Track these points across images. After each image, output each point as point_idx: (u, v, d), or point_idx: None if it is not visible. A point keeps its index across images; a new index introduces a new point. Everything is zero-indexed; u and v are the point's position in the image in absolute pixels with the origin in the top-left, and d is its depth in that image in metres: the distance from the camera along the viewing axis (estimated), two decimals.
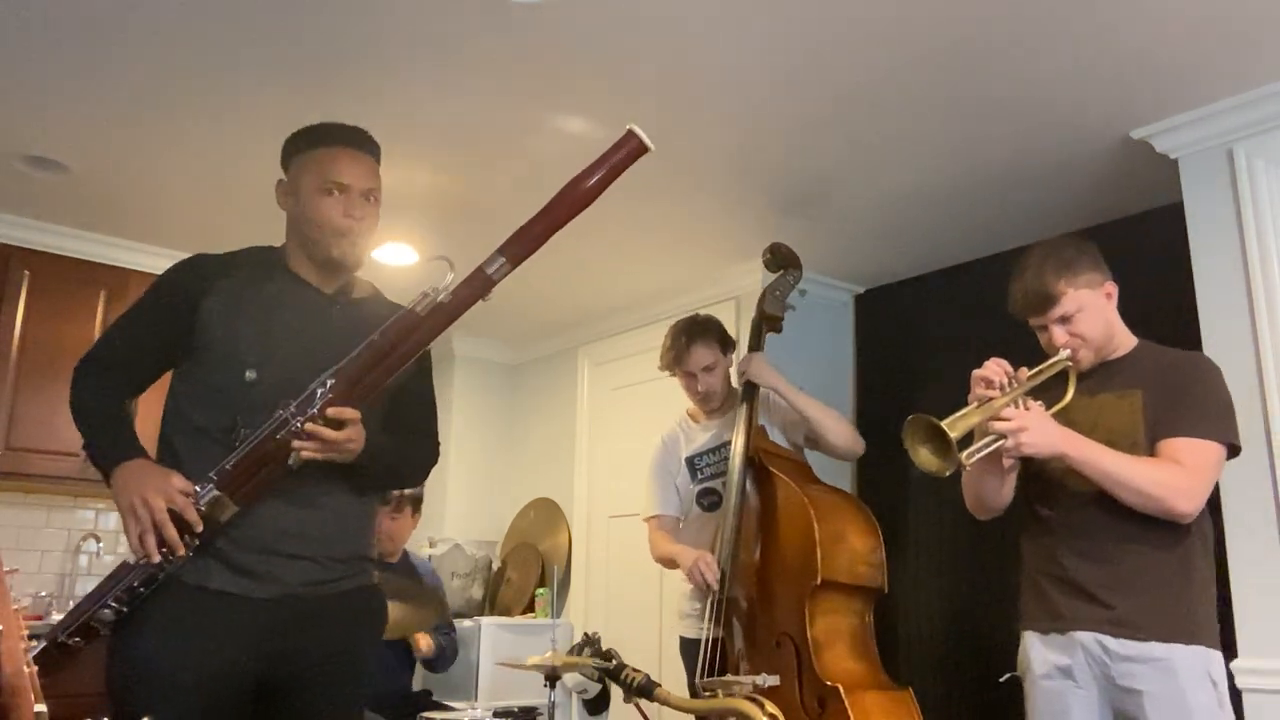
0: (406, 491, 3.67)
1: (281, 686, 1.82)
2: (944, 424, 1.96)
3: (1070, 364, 2.15)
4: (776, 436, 3.02)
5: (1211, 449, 2.03)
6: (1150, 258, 3.09)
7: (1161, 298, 2.99)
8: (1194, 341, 2.72)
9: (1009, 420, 2.02)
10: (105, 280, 3.85)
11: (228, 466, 1.73)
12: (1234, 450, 2.08)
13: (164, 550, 1.70)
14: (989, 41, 2.51)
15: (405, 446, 2.00)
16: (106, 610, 1.71)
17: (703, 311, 3.25)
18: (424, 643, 3.55)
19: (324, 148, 1.92)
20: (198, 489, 1.73)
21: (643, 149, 1.80)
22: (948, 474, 2.00)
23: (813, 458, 3.07)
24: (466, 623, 4.41)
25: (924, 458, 2.01)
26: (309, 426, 1.73)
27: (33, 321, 3.68)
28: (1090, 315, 2.14)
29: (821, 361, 4.07)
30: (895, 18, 2.42)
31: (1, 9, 2.44)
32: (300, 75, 2.73)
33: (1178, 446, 2.03)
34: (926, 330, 3.99)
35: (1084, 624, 2.05)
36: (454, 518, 5.04)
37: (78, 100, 2.87)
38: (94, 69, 2.70)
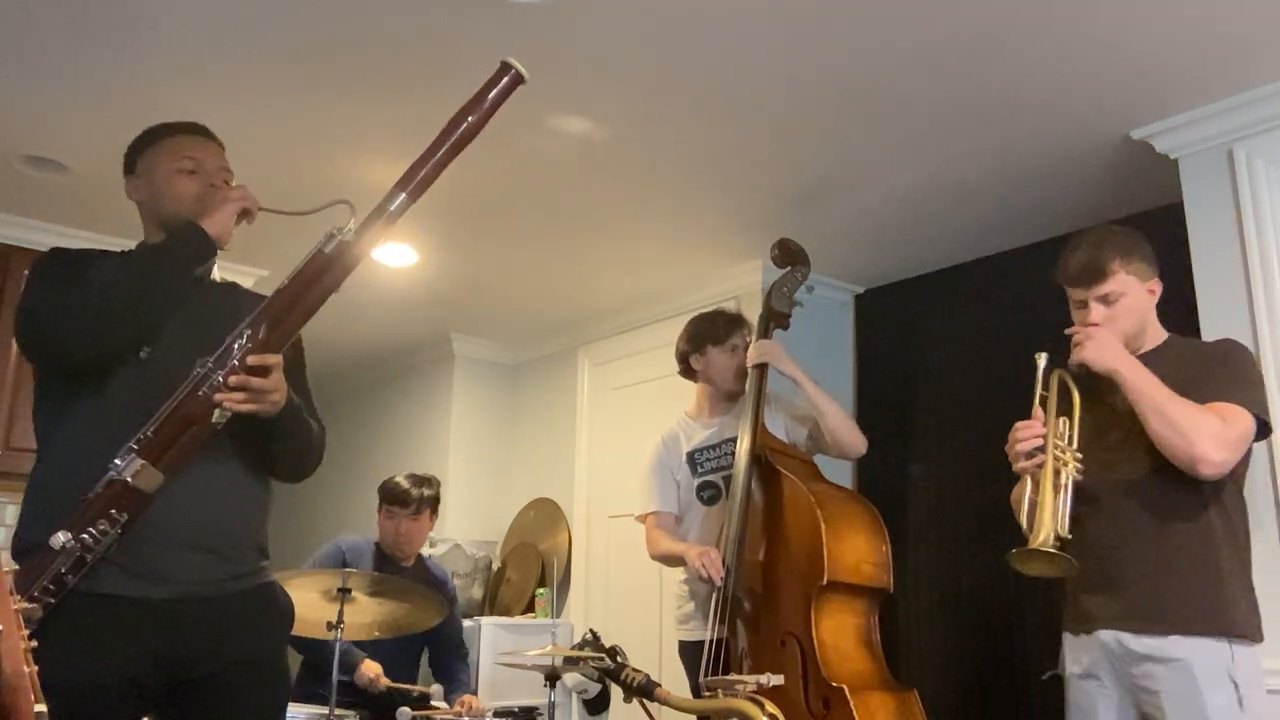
0: (426, 493, 3.64)
1: (191, 693, 1.74)
2: (1039, 545, 1.95)
3: (1070, 370, 2.17)
4: (780, 435, 3.01)
5: (1245, 415, 2.02)
6: None
7: (1161, 297, 2.99)
8: None
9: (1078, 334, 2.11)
10: None
11: (149, 433, 1.64)
12: (1264, 429, 2.06)
13: (101, 527, 1.60)
14: (989, 42, 2.51)
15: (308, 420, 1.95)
16: (35, 606, 1.57)
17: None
18: (371, 671, 3.40)
19: (174, 137, 1.93)
20: (118, 461, 1.63)
21: (519, 79, 1.82)
22: (1076, 570, 1.98)
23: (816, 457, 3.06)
24: (466, 623, 4.40)
25: (1041, 570, 2.01)
26: (234, 379, 1.67)
27: None
28: (1130, 304, 2.17)
29: (821, 361, 4.05)
30: (896, 18, 2.42)
31: (2, 9, 2.44)
32: (299, 76, 2.73)
33: (1214, 407, 2.02)
34: (926, 330, 3.99)
35: (1103, 622, 2.06)
36: (454, 518, 5.02)
37: (78, 100, 2.87)
38: (94, 69, 2.70)
